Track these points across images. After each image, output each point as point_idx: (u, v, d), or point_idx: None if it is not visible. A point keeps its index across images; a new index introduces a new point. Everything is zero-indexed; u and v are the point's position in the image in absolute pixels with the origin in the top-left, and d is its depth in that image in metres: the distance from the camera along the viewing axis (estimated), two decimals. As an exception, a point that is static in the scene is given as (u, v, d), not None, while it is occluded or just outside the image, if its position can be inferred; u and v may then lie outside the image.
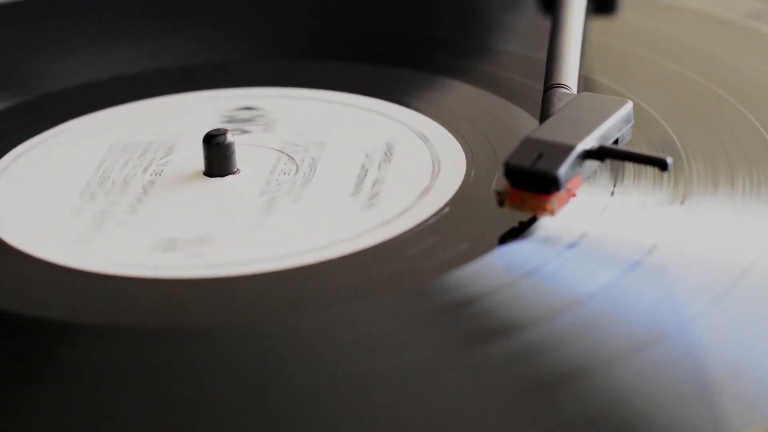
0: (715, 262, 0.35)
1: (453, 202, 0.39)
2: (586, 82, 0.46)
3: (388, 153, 0.42)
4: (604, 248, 0.36)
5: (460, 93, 0.46)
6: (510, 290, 0.34)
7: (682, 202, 0.38)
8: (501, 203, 0.36)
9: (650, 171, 0.39)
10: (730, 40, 0.50)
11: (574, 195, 0.37)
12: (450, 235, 0.37)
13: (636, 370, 0.31)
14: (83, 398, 0.31)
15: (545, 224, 0.37)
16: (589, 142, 0.37)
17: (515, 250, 0.36)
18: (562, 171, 0.36)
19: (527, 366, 0.32)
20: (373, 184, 0.40)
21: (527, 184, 0.36)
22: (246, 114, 0.45)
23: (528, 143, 0.37)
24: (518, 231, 0.37)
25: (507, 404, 0.31)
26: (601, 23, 0.52)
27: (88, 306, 0.35)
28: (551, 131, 0.37)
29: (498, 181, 0.39)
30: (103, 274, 0.36)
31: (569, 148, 0.36)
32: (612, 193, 0.38)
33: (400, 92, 0.46)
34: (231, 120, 0.45)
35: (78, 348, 0.34)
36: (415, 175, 0.40)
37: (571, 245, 0.36)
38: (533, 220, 0.37)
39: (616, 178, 0.39)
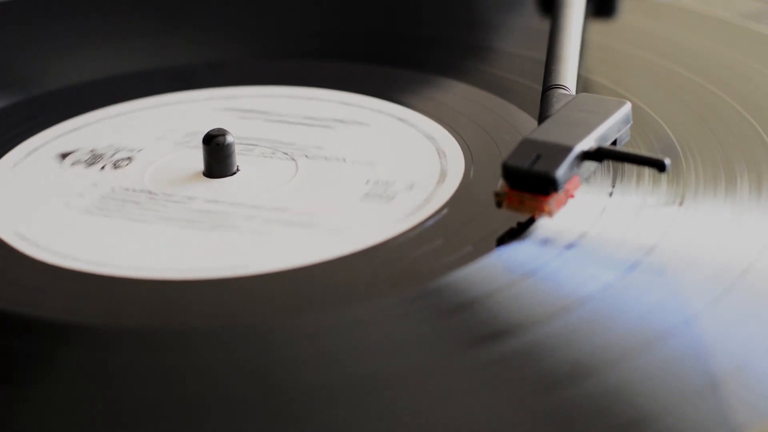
0: (715, 262, 0.35)
1: (452, 203, 0.39)
2: (585, 83, 0.46)
3: (386, 150, 0.42)
4: (604, 249, 0.36)
5: (460, 93, 0.46)
6: (510, 291, 0.34)
7: (681, 203, 0.38)
8: (499, 204, 0.36)
9: (649, 172, 0.39)
10: (729, 40, 0.50)
11: (572, 196, 0.37)
12: (450, 235, 0.37)
13: (636, 370, 0.31)
14: (83, 398, 0.31)
15: (545, 225, 0.37)
16: (588, 143, 0.37)
17: (515, 250, 0.36)
18: (560, 172, 0.36)
19: (527, 366, 0.32)
20: (382, 179, 0.40)
21: (525, 185, 0.36)
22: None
23: (526, 144, 0.37)
24: (518, 232, 0.37)
25: (508, 404, 0.31)
26: (600, 24, 0.52)
27: (88, 306, 0.35)
28: (549, 132, 0.37)
29: (497, 182, 0.39)
30: (103, 275, 0.36)
31: (567, 149, 0.36)
32: (611, 194, 0.38)
33: (400, 92, 0.46)
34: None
35: (78, 348, 0.34)
36: (414, 176, 0.40)
37: (571, 246, 0.36)
38: (532, 221, 0.37)
39: (615, 178, 0.39)
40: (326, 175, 0.41)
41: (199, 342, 0.33)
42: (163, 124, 0.45)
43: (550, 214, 0.36)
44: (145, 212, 0.39)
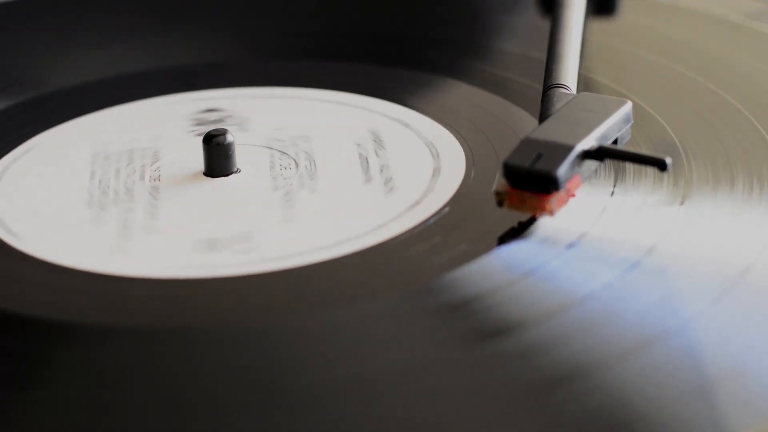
0: (715, 262, 0.35)
1: (453, 202, 0.39)
2: (586, 82, 0.46)
3: (381, 146, 0.42)
4: (604, 248, 0.36)
5: (460, 93, 0.46)
6: (510, 290, 0.34)
7: (682, 202, 0.38)
8: (500, 203, 0.37)
9: (650, 171, 0.39)
10: (730, 40, 0.50)
11: (573, 195, 0.37)
12: (450, 235, 0.37)
13: (636, 370, 0.31)
14: (83, 398, 0.31)
15: (545, 224, 0.37)
16: (589, 142, 0.37)
17: (515, 249, 0.36)
18: (561, 171, 0.36)
19: (527, 366, 0.32)
20: (382, 170, 0.40)
21: (526, 185, 0.36)
22: (215, 116, 0.45)
23: (527, 143, 0.37)
24: (518, 231, 0.37)
25: (507, 404, 0.31)
26: (600, 23, 0.52)
27: (88, 306, 0.35)
28: (550, 131, 0.37)
29: (498, 181, 0.39)
30: (103, 275, 0.36)
31: (568, 148, 0.36)
32: (612, 193, 0.38)
33: (400, 92, 0.46)
34: (200, 122, 0.45)
35: (78, 348, 0.34)
36: (414, 176, 0.41)
37: (571, 245, 0.36)
38: (533, 220, 0.37)
39: (616, 178, 0.39)
40: (324, 176, 0.41)
41: (200, 342, 0.33)
42: (135, 131, 0.45)
43: (551, 213, 0.36)
44: (139, 211, 0.39)
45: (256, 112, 0.45)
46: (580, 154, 0.37)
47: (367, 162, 0.41)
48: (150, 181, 0.41)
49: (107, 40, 0.53)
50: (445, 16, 0.54)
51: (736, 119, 0.43)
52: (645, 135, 0.42)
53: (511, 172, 0.36)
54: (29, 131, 0.45)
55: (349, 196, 0.39)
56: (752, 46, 0.49)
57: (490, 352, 0.32)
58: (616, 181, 0.39)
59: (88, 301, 0.35)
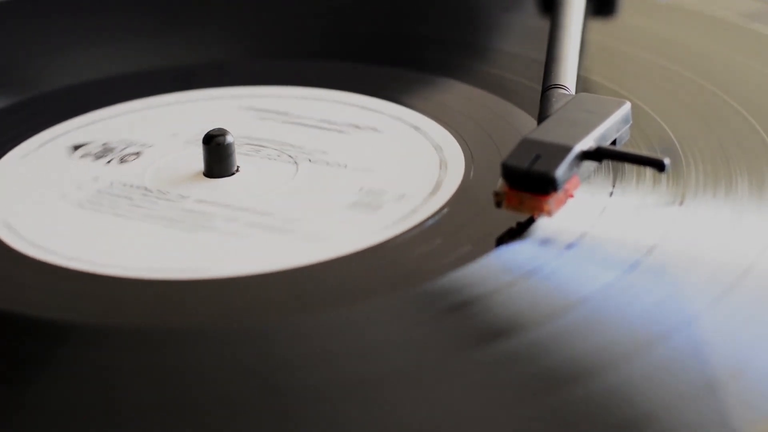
0: (715, 262, 0.35)
1: (453, 202, 0.39)
2: (585, 83, 0.46)
3: (386, 149, 0.42)
4: (604, 248, 0.36)
5: (460, 93, 0.46)
6: (510, 290, 0.34)
7: (682, 202, 0.38)
8: (499, 204, 0.36)
9: (649, 171, 0.39)
10: (730, 40, 0.50)
11: (571, 196, 0.37)
12: (450, 235, 0.37)
13: (636, 370, 0.31)
14: (83, 398, 0.31)
15: (545, 225, 0.37)
16: (587, 143, 0.37)
17: (515, 250, 0.36)
18: (560, 172, 0.36)
19: (527, 366, 0.32)
20: (377, 184, 0.40)
21: (525, 185, 0.36)
22: (266, 113, 0.46)
23: (526, 144, 0.37)
24: (518, 231, 0.37)
25: (507, 404, 0.31)
26: (600, 24, 0.52)
27: (88, 306, 0.35)
28: (549, 132, 0.37)
29: (497, 181, 0.39)
30: (103, 275, 0.36)
31: (567, 149, 0.36)
32: (611, 194, 0.38)
33: (400, 92, 0.46)
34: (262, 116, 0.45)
35: (78, 348, 0.34)
36: (414, 176, 0.40)
37: (571, 245, 0.36)
38: (532, 220, 0.37)
39: (616, 178, 0.39)
40: (328, 173, 0.41)
41: (200, 342, 0.33)
42: (179, 121, 0.45)
43: (549, 213, 0.36)
44: (133, 209, 0.40)
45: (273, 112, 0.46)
46: (578, 154, 0.37)
47: (369, 167, 0.41)
48: (150, 179, 0.41)
49: (114, 38, 0.53)
50: (445, 15, 0.54)
51: (735, 119, 0.43)
52: (645, 135, 0.42)
53: (509, 172, 0.36)
54: (30, 129, 0.45)
55: (343, 201, 0.39)
56: (751, 47, 0.49)
57: (490, 352, 0.32)
58: (615, 181, 0.39)
59: (85, 301, 0.35)
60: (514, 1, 0.55)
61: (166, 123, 0.45)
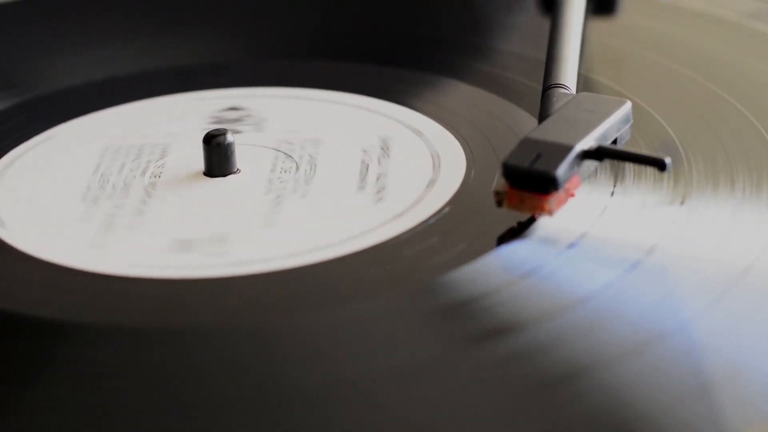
0: (715, 262, 0.35)
1: (453, 202, 0.39)
2: (586, 82, 0.46)
3: (386, 149, 0.42)
4: (604, 248, 0.36)
5: (460, 93, 0.46)
6: (510, 290, 0.34)
7: (682, 202, 0.38)
8: (499, 203, 0.36)
9: (650, 171, 0.39)
10: (730, 40, 0.50)
11: (572, 195, 0.37)
12: (450, 235, 0.37)
13: (636, 370, 0.31)
14: (83, 398, 0.31)
15: (545, 224, 0.37)
16: (588, 142, 0.37)
17: (515, 250, 0.36)
18: (561, 171, 0.36)
19: (527, 366, 0.32)
20: (378, 178, 0.40)
21: (526, 184, 0.36)
22: (233, 114, 0.45)
23: (526, 143, 0.37)
24: (518, 231, 0.37)
25: (507, 404, 0.31)
26: (601, 23, 0.52)
27: (88, 306, 0.35)
28: (550, 131, 0.37)
29: (498, 181, 0.39)
30: (103, 275, 0.36)
31: (568, 148, 0.36)
32: (612, 193, 0.38)
33: (400, 92, 0.46)
34: (219, 121, 0.45)
35: (78, 348, 0.34)
36: (414, 177, 0.40)
37: (572, 245, 0.36)
38: (533, 220, 0.37)
39: (616, 178, 0.39)
40: (327, 174, 0.41)
41: (200, 342, 0.33)
42: (151, 126, 0.45)
43: (550, 213, 0.36)
44: (129, 208, 0.39)
45: (274, 113, 0.45)
46: (579, 154, 0.37)
47: (367, 168, 0.41)
48: (150, 177, 0.41)
49: (121, 37, 0.53)
50: (445, 16, 0.54)
51: (736, 119, 0.43)
52: (645, 135, 0.42)
53: (510, 172, 0.36)
54: (43, 125, 0.45)
55: (338, 203, 0.39)
56: (752, 46, 0.49)
57: (490, 352, 0.32)
58: (616, 181, 0.39)
59: (85, 301, 0.35)
60: (514, 0, 0.55)
61: (178, 121, 0.45)
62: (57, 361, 0.33)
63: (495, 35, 0.52)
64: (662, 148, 0.41)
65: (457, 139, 0.43)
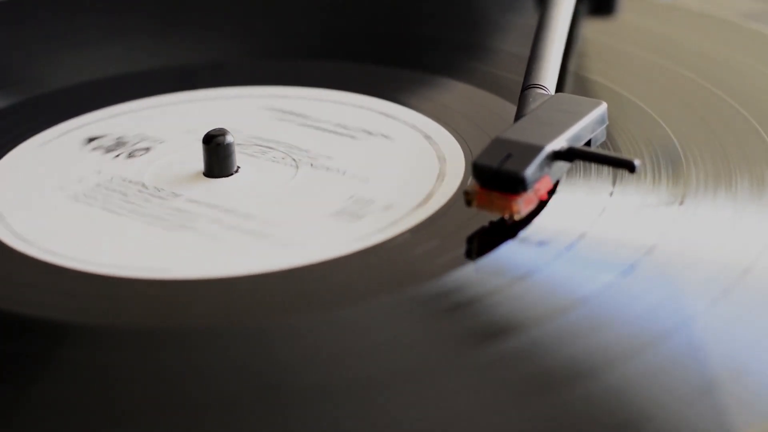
0: (715, 262, 0.35)
1: (453, 202, 0.39)
2: (584, 83, 0.46)
3: (388, 152, 0.42)
4: (604, 249, 0.36)
5: (460, 93, 0.46)
6: (509, 291, 0.34)
7: (682, 202, 0.38)
8: (469, 203, 0.36)
9: (650, 171, 0.39)
10: (730, 40, 0.50)
11: (544, 197, 0.37)
12: (450, 235, 0.37)
13: (636, 370, 0.31)
14: (83, 398, 0.31)
15: (545, 224, 0.37)
16: (559, 143, 0.37)
17: (515, 250, 0.36)
18: (529, 171, 0.36)
19: (526, 366, 0.32)
20: (374, 186, 0.40)
21: (495, 184, 0.36)
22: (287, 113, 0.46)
23: (497, 143, 0.37)
24: (518, 231, 0.37)
25: (506, 405, 0.31)
26: (600, 23, 0.52)
27: (88, 306, 0.35)
28: (522, 131, 0.37)
29: (470, 180, 0.39)
30: (103, 275, 0.36)
31: (538, 149, 0.36)
32: (611, 194, 0.38)
33: (400, 92, 0.46)
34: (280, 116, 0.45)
35: (78, 348, 0.34)
36: (414, 177, 0.40)
37: (571, 246, 0.36)
38: (532, 220, 0.37)
39: (616, 178, 0.39)
40: (326, 175, 0.41)
41: (199, 342, 0.33)
42: (198, 118, 0.45)
43: (518, 213, 0.36)
44: (124, 205, 0.40)
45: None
46: (549, 154, 0.37)
47: (366, 170, 0.41)
48: (150, 175, 0.41)
49: (127, 36, 0.53)
50: (445, 15, 0.54)
51: (735, 119, 0.43)
52: (645, 135, 0.42)
53: (480, 171, 0.36)
54: (42, 124, 0.45)
55: (335, 206, 0.39)
56: (751, 46, 0.49)
57: (490, 352, 0.32)
58: (615, 181, 0.39)
59: (85, 301, 0.35)
60: (514, 0, 0.55)
61: (183, 120, 0.45)
62: (52, 361, 0.33)
63: (495, 35, 0.52)
64: (662, 148, 0.41)
65: (457, 139, 0.42)
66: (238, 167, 0.41)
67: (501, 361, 0.32)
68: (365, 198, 0.39)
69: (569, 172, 0.39)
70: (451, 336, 0.33)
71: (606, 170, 0.39)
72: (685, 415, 0.30)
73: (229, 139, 0.41)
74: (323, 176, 0.41)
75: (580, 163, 0.39)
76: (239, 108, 0.46)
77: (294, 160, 0.42)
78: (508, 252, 0.36)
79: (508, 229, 0.37)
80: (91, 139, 0.44)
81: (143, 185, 0.41)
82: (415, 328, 0.33)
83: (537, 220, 0.37)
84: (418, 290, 0.35)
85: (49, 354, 0.33)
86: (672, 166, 0.40)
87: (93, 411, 0.31)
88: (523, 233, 0.36)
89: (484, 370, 0.32)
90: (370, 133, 0.44)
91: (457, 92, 0.46)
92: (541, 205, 0.37)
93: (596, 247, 0.36)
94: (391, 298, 0.35)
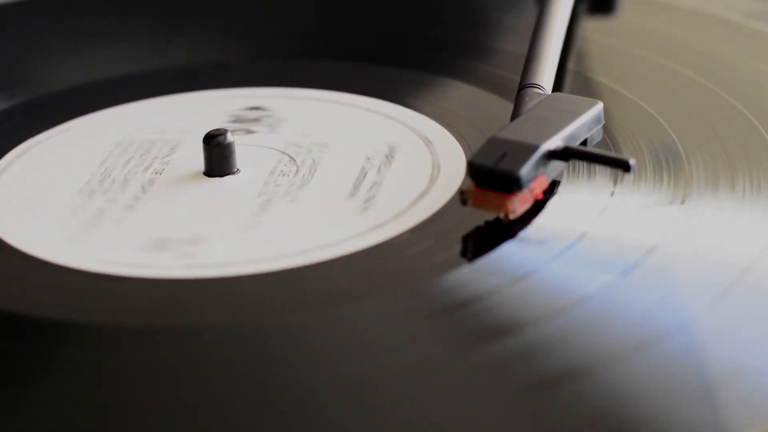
0: (715, 262, 0.35)
1: (452, 202, 0.39)
2: (585, 82, 0.46)
3: (389, 155, 0.42)
4: (605, 248, 0.36)
5: (460, 93, 0.46)
6: (509, 291, 0.34)
7: (682, 202, 0.38)
8: (464, 202, 0.36)
9: (650, 171, 0.39)
10: (730, 40, 0.50)
11: (539, 196, 0.37)
12: (449, 235, 0.37)
13: (636, 370, 0.31)
14: (83, 398, 0.32)
15: (545, 224, 0.37)
16: (555, 143, 0.37)
17: (515, 250, 0.36)
18: (524, 171, 0.36)
19: (526, 366, 0.32)
20: (371, 187, 0.40)
21: (490, 184, 0.36)
22: (253, 114, 0.45)
23: (493, 142, 0.37)
24: (518, 231, 0.37)
25: (506, 405, 0.31)
26: (600, 23, 0.52)
27: (87, 306, 0.35)
28: (517, 131, 0.37)
29: (465, 179, 0.39)
30: (103, 274, 0.36)
31: (533, 148, 0.36)
32: (612, 194, 0.38)
33: (401, 92, 0.46)
34: (238, 120, 0.45)
35: (78, 348, 0.34)
36: (414, 177, 0.40)
37: (571, 245, 0.36)
38: (532, 220, 0.37)
39: (616, 178, 0.39)
40: (325, 176, 0.41)
41: (198, 342, 0.33)
42: (168, 123, 0.45)
43: (513, 212, 0.36)
44: (125, 204, 0.39)
45: (294, 114, 0.45)
46: (545, 154, 0.37)
47: (365, 175, 0.41)
48: (150, 174, 0.41)
49: (134, 36, 0.53)
50: (445, 16, 0.54)
51: (736, 119, 0.43)
52: (646, 135, 0.42)
53: (475, 170, 0.36)
54: (33, 129, 0.45)
55: (324, 209, 0.39)
56: (752, 46, 0.49)
57: (489, 352, 0.32)
58: (616, 181, 0.39)
59: (85, 301, 0.35)
60: (514, 0, 0.55)
61: (183, 120, 0.45)
62: (52, 361, 0.33)
63: (495, 35, 0.52)
64: (662, 148, 0.41)
65: (457, 139, 0.42)
66: (238, 169, 0.41)
67: (501, 361, 0.32)
68: (365, 197, 0.39)
69: (571, 171, 0.39)
70: (451, 336, 0.33)
71: (607, 170, 0.39)
72: (684, 415, 0.30)
73: (229, 138, 0.41)
74: (323, 176, 0.41)
75: (581, 163, 0.39)
76: (239, 108, 0.46)
77: (294, 159, 0.42)
78: (507, 252, 0.36)
79: (507, 229, 0.37)
80: (91, 140, 0.44)
81: (143, 185, 0.41)
82: (414, 328, 0.33)
83: (537, 220, 0.37)
84: (417, 290, 0.35)
85: (49, 354, 0.33)
86: (673, 166, 0.40)
87: (93, 411, 0.31)
88: (523, 233, 0.36)
89: (484, 370, 0.32)
90: (370, 133, 0.44)
91: (456, 92, 0.46)
92: (539, 204, 0.37)
93: (596, 246, 0.36)
94: (390, 298, 0.35)
